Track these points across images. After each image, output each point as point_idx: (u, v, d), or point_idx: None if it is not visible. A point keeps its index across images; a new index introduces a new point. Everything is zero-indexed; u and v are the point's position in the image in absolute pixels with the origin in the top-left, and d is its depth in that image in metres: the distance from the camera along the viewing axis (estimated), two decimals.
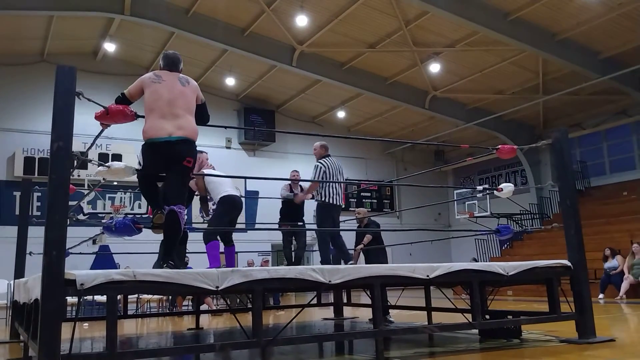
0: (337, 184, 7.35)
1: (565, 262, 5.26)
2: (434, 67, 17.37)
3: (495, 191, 5.99)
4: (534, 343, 5.27)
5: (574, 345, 4.96)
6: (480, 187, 6.67)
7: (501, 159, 6.40)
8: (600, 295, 11.75)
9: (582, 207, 5.82)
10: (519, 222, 19.62)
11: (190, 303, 11.47)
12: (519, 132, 20.36)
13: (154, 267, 4.75)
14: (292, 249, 8.62)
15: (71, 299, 5.75)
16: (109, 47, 17.29)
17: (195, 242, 6.87)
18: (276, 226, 8.90)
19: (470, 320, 4.93)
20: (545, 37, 15.12)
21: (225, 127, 6.15)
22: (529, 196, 20.52)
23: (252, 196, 19.23)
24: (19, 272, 7.05)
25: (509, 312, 5.89)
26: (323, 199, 7.32)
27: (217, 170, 7.04)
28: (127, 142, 17.47)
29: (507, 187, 5.86)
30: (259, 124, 20.52)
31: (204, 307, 10.02)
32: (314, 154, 7.63)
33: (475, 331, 5.80)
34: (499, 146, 5.86)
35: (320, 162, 7.37)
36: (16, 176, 16.81)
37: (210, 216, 6.89)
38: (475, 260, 17.27)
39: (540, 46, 15.20)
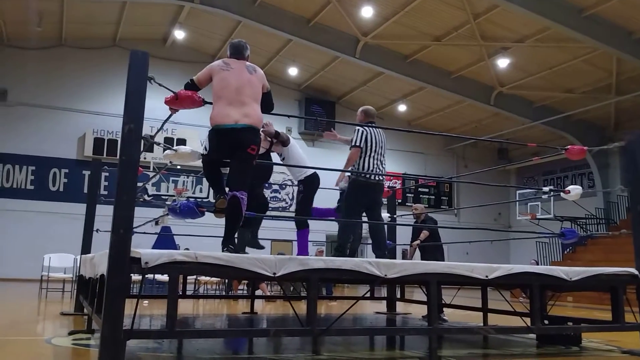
0: (379, 157, 6.04)
1: (633, 270, 5.05)
2: (502, 63, 16.92)
3: (562, 193, 5.79)
4: (594, 352, 5.10)
5: (637, 358, 4.78)
6: (546, 189, 6.41)
7: (568, 160, 6.19)
8: None
9: None
10: (584, 226, 18.93)
11: (245, 287, 11.68)
12: (588, 133, 19.57)
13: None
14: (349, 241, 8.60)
15: (134, 277, 5.99)
16: (179, 34, 17.76)
17: None
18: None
19: (529, 324, 4.80)
20: (621, 35, 14.46)
21: (289, 116, 6.14)
22: (595, 200, 19.75)
23: None
24: (86, 248, 7.34)
25: (569, 318, 5.72)
26: (359, 174, 5.97)
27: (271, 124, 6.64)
28: (192, 128, 17.92)
29: (575, 190, 5.67)
30: (320, 115, 20.61)
31: (258, 292, 10.18)
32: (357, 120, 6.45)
33: (533, 336, 5.66)
34: (568, 146, 5.66)
35: (361, 126, 6.12)
36: (86, 156, 17.56)
37: (299, 201, 6.69)
38: (536, 263, 16.80)
39: (615, 44, 14.55)
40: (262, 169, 6.06)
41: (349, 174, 6.19)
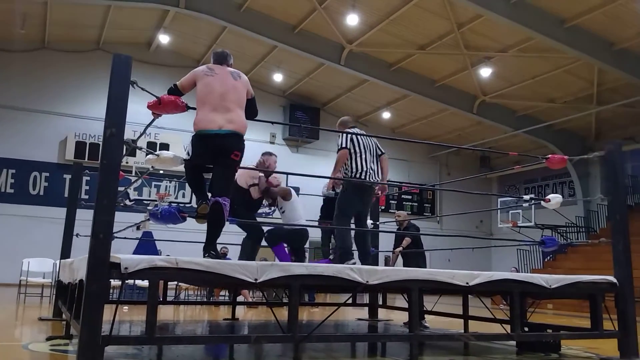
0: (371, 158, 5.98)
1: (611, 278, 5.11)
2: (485, 72, 17.08)
3: (542, 202, 5.85)
4: (573, 359, 5.14)
5: None
6: (527, 197, 6.45)
7: (549, 168, 6.25)
8: None
9: (631, 223, 5.64)
10: (564, 234, 19.14)
11: (227, 293, 11.62)
12: (569, 142, 19.83)
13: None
14: (330, 247, 8.61)
15: (114, 282, 5.92)
16: (163, 38, 17.68)
17: (234, 234, 6.96)
18: (315, 223, 8.88)
19: (509, 331, 4.84)
20: (603, 46, 14.68)
21: (273, 123, 6.17)
22: (575, 208, 19.99)
23: None
24: (65, 253, 7.26)
25: (549, 325, 5.76)
26: (353, 174, 5.87)
27: (280, 180, 7.19)
28: (175, 132, 17.81)
29: (555, 198, 5.72)
30: (304, 121, 20.60)
31: (240, 298, 10.13)
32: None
33: (513, 343, 5.69)
34: (549, 155, 5.72)
35: (345, 130, 6.07)
36: (67, 159, 17.37)
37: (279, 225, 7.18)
38: (517, 270, 16.94)
39: (596, 55, 14.77)
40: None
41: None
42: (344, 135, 5.97)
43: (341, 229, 5.92)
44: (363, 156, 5.91)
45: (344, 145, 5.90)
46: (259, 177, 6.66)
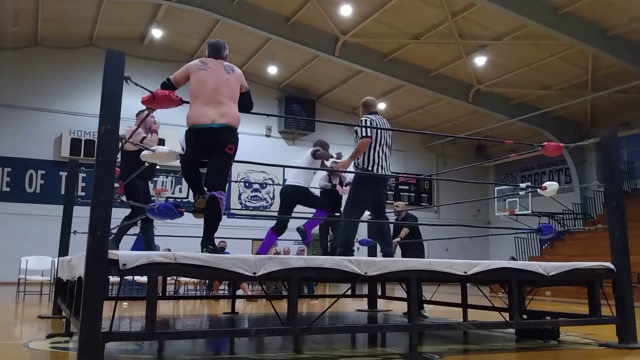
0: (385, 148, 5.80)
1: (609, 264, 5.14)
2: (480, 60, 17.06)
3: (539, 189, 5.86)
4: (572, 345, 5.17)
5: (614, 350, 4.85)
6: (523, 185, 6.46)
7: (545, 156, 6.27)
8: None
9: (627, 208, 5.65)
10: (561, 221, 19.19)
11: (226, 287, 11.64)
12: (565, 129, 19.85)
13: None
14: (328, 239, 8.63)
15: (113, 279, 5.92)
16: (156, 33, 17.59)
17: (232, 229, 6.95)
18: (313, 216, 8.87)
19: (508, 319, 4.86)
20: (596, 32, 14.68)
21: (268, 115, 6.14)
22: (572, 195, 20.04)
23: None
24: (63, 250, 7.26)
25: (547, 312, 5.80)
26: (365, 166, 5.72)
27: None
28: (170, 127, 17.72)
29: (551, 186, 5.73)
30: (299, 113, 20.57)
31: (239, 292, 10.14)
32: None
33: (512, 331, 5.72)
34: (545, 143, 5.72)
35: (365, 117, 5.92)
36: (63, 157, 17.32)
37: None
38: (514, 259, 17.00)
39: (590, 42, 14.76)
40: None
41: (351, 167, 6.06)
42: (366, 122, 5.82)
43: (348, 225, 5.84)
44: (377, 147, 5.75)
45: (366, 134, 5.70)
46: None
